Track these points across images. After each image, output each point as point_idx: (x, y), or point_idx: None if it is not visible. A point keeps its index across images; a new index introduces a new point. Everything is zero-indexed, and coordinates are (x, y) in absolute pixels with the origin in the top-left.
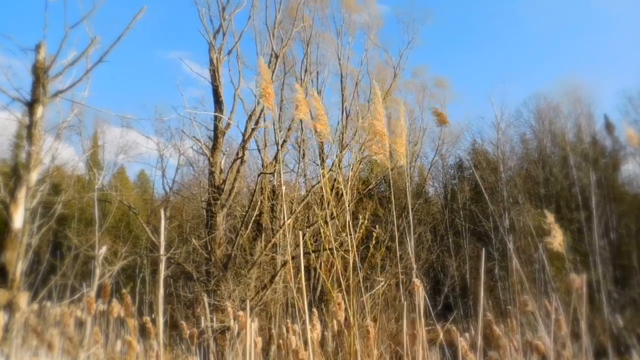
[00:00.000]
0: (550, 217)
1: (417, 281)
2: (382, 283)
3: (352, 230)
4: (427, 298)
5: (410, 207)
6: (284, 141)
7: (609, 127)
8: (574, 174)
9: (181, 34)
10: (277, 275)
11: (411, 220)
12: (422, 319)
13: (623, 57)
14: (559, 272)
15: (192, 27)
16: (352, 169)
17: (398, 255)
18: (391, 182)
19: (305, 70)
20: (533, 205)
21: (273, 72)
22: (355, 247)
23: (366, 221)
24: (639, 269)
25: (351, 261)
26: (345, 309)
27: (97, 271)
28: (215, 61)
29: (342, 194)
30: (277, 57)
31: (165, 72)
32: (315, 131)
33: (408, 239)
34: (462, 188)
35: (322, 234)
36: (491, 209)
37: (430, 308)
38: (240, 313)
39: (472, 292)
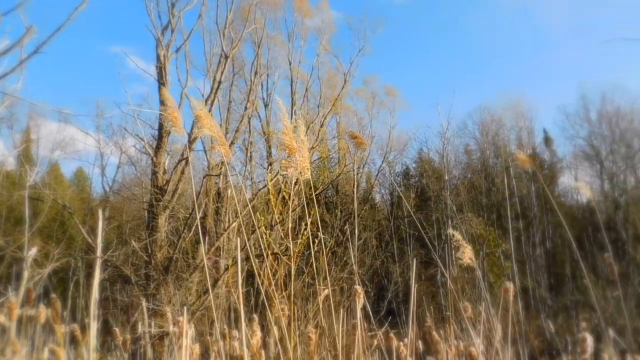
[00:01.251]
0: (457, 235)
1: (358, 288)
2: (326, 289)
3: (292, 237)
4: (367, 304)
5: (356, 212)
6: (231, 143)
7: (547, 141)
8: (514, 185)
9: (127, 28)
10: (220, 279)
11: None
12: (363, 325)
13: (563, 75)
14: (497, 279)
15: (138, 21)
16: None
17: (343, 260)
18: (338, 187)
19: (255, 73)
20: (475, 213)
21: (222, 72)
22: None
23: (312, 226)
24: (571, 277)
25: (293, 267)
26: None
27: (26, 274)
28: (162, 58)
29: (288, 197)
30: (226, 57)
31: (108, 67)
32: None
33: (351, 245)
34: (407, 195)
35: (265, 239)
36: (435, 217)
37: (374, 314)
38: (180, 318)
39: (415, 298)
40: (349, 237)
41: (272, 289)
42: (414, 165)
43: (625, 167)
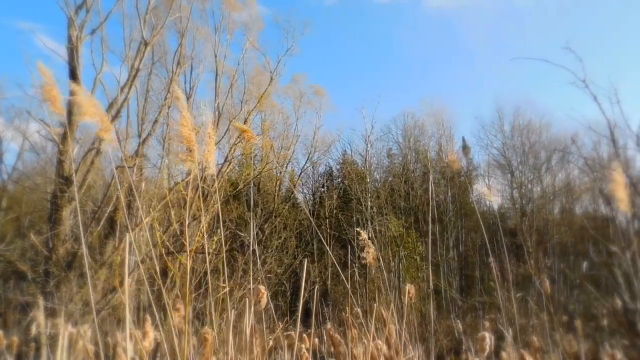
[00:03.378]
0: (364, 234)
1: (261, 288)
2: (225, 287)
3: (187, 235)
4: (271, 304)
5: (277, 211)
6: (148, 134)
7: (465, 149)
8: (433, 190)
9: (37, 2)
10: (130, 276)
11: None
12: (271, 325)
13: (481, 86)
14: (413, 280)
15: None
16: (220, 169)
17: (261, 259)
18: (260, 185)
19: (178, 63)
20: (395, 216)
21: (141, 60)
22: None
23: (231, 224)
24: (480, 279)
25: (189, 266)
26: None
27: None
28: (74, 39)
29: (207, 194)
30: (146, 44)
31: (11, 44)
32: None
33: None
34: (329, 196)
35: (182, 236)
36: (356, 218)
37: (290, 313)
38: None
39: (332, 299)
40: (270, 235)
41: (166, 288)
42: (337, 166)
43: (532, 177)
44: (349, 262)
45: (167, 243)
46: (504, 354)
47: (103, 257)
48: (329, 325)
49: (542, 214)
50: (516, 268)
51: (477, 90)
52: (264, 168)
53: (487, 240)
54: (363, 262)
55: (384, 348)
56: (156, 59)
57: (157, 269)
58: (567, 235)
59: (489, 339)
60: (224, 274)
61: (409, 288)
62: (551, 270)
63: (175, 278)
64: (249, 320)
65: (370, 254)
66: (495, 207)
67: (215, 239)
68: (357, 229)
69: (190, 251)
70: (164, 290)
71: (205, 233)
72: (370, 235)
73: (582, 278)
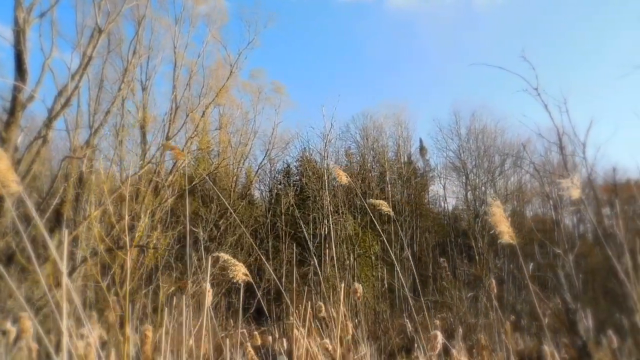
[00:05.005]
0: (225, 256)
1: (207, 285)
2: (171, 285)
3: (127, 230)
4: (215, 301)
5: (232, 207)
6: (100, 125)
7: (422, 150)
8: (389, 190)
9: None
10: (76, 271)
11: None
12: (224, 323)
13: (440, 89)
14: (367, 279)
15: None
16: (175, 163)
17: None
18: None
19: (134, 53)
20: (351, 215)
21: (94, 47)
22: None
23: (185, 219)
24: (432, 278)
25: (129, 261)
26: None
27: None
28: (21, 21)
29: (161, 187)
30: (100, 31)
31: None
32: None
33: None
34: (286, 193)
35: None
36: (312, 216)
37: (243, 311)
38: (23, 314)
39: (285, 296)
40: (224, 232)
41: (106, 286)
42: (295, 163)
43: (486, 180)
44: (308, 259)
45: (116, 238)
46: (453, 352)
47: (47, 252)
48: (283, 323)
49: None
50: (468, 268)
51: (436, 93)
52: (220, 163)
53: (440, 240)
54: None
55: (336, 346)
56: (112, 48)
57: (106, 264)
58: (517, 237)
59: (440, 337)
60: (175, 270)
61: (357, 287)
62: (501, 271)
63: (124, 274)
64: (185, 316)
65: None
66: (450, 208)
67: (168, 234)
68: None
69: (134, 247)
70: (104, 287)
71: (156, 228)
72: (326, 233)
73: (529, 279)
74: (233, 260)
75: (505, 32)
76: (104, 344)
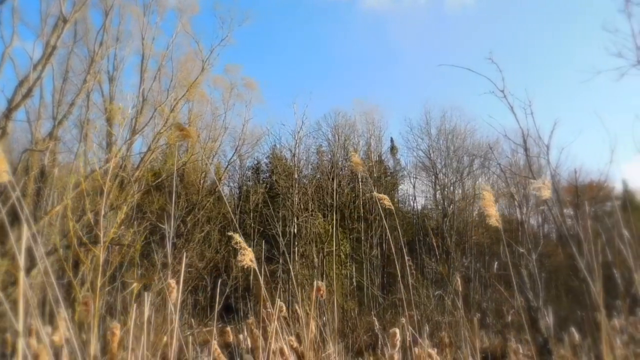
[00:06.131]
0: (237, 237)
1: (171, 282)
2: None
3: (103, 226)
4: (182, 298)
5: (200, 204)
6: (64, 117)
7: (393, 149)
8: (360, 188)
9: None
10: (36, 268)
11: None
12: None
13: (411, 89)
14: (336, 277)
15: None
16: (143, 157)
17: (182, 252)
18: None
19: (101, 43)
20: (321, 213)
21: (59, 37)
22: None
23: (151, 215)
24: (400, 277)
25: (101, 257)
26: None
27: None
28: None
29: (127, 182)
30: (65, 21)
31: None
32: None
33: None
34: (256, 190)
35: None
36: (282, 213)
37: (210, 308)
38: None
39: (253, 294)
40: (192, 228)
41: (77, 281)
42: (265, 160)
43: (455, 180)
44: (277, 257)
45: (80, 233)
46: (416, 350)
47: (4, 247)
48: (250, 320)
49: (463, 216)
50: (436, 267)
51: (407, 93)
52: (189, 159)
53: (409, 239)
54: (240, 264)
55: (304, 343)
56: (78, 38)
57: (70, 260)
58: (484, 237)
59: (401, 335)
60: (140, 267)
61: (320, 285)
62: (468, 270)
63: (88, 271)
64: (146, 312)
65: (246, 256)
66: (419, 207)
67: (132, 230)
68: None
69: (107, 243)
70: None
71: (122, 224)
72: (295, 231)
73: (494, 277)
74: (244, 244)
75: (475, 34)
76: (67, 342)
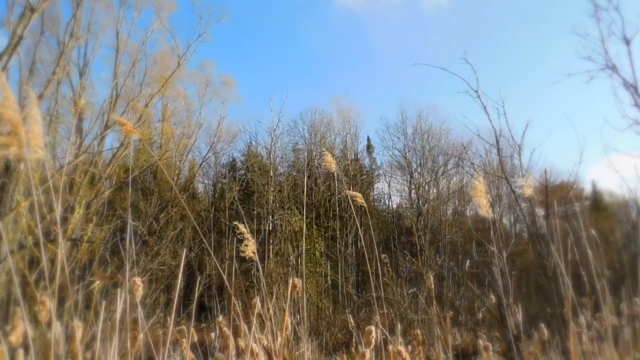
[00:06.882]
0: (241, 227)
1: (137, 280)
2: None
3: (61, 222)
4: (154, 297)
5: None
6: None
7: (369, 148)
8: (335, 187)
9: None
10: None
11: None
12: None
13: (387, 88)
14: (312, 275)
15: None
16: (115, 153)
17: (154, 250)
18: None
19: (71, 35)
20: (297, 210)
21: (25, 27)
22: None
23: (123, 212)
24: (375, 275)
25: (60, 254)
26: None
27: None
28: None
29: (98, 179)
30: (32, 10)
31: None
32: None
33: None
34: (231, 188)
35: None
36: (257, 211)
37: (183, 307)
38: None
39: (227, 292)
40: (165, 226)
41: (35, 281)
42: (241, 158)
43: (430, 180)
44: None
45: (45, 231)
46: (390, 347)
47: None
48: (220, 319)
49: (437, 215)
50: (410, 265)
51: (384, 92)
52: (162, 155)
53: (384, 237)
54: (242, 254)
55: (277, 341)
56: (46, 28)
57: (35, 258)
58: (458, 236)
59: (375, 332)
60: (111, 265)
61: (296, 282)
62: (441, 268)
63: (54, 268)
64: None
65: (249, 247)
66: (394, 205)
67: (92, 226)
68: (235, 223)
69: (66, 240)
70: (32, 282)
71: (92, 221)
72: (270, 229)
73: (467, 275)
74: (248, 235)
75: (450, 34)
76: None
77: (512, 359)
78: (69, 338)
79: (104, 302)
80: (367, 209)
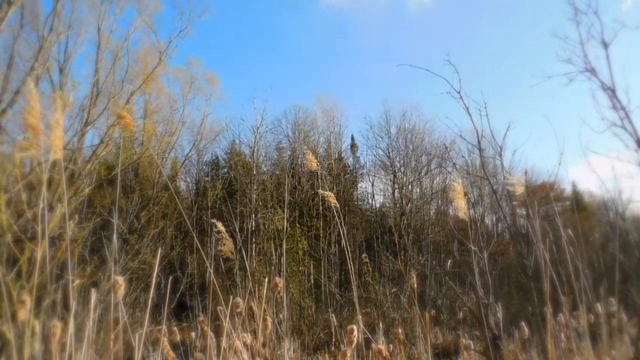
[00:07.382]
0: (219, 225)
1: (119, 279)
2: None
3: (39, 219)
4: (134, 296)
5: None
6: (8, 105)
7: (353, 147)
8: (319, 185)
9: None
10: None
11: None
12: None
13: (371, 88)
14: (294, 274)
15: None
16: (95, 150)
17: (135, 249)
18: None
19: (51, 29)
20: (280, 209)
21: (3, 20)
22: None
23: (103, 210)
24: (358, 274)
25: (39, 252)
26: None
27: None
28: None
29: (77, 176)
30: (10, 3)
31: None
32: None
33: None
34: (214, 186)
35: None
36: (240, 210)
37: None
38: None
39: (209, 291)
40: (146, 224)
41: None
42: (224, 156)
43: (413, 179)
44: (234, 253)
45: (23, 229)
46: (373, 346)
47: None
48: (201, 318)
49: (420, 214)
50: (393, 264)
51: (368, 91)
52: (143, 152)
53: (367, 236)
54: (218, 254)
55: (259, 340)
56: (25, 22)
57: (12, 256)
58: (440, 235)
59: (356, 331)
60: (90, 264)
61: (277, 281)
62: (424, 267)
63: (32, 267)
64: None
65: (227, 246)
66: (377, 205)
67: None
68: (213, 221)
69: (46, 238)
70: (8, 280)
71: (72, 219)
72: (253, 228)
73: (449, 275)
74: (225, 234)
75: (434, 35)
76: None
77: (492, 358)
78: (46, 338)
79: (78, 302)
80: (349, 208)
